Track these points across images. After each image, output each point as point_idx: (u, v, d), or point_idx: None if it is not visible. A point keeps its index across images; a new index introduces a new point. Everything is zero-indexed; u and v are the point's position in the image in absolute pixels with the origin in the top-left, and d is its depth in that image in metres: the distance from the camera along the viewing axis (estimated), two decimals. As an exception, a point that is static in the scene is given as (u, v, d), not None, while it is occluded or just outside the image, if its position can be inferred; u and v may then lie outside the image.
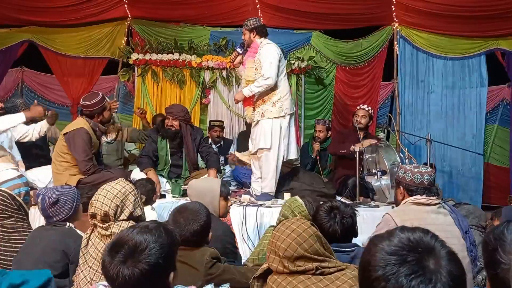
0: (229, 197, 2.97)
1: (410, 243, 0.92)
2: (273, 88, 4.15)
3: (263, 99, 4.21)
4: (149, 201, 3.35)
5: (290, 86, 6.10)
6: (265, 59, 4.11)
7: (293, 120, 4.43)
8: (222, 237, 2.58)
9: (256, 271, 2.13)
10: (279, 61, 4.16)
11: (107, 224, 2.06)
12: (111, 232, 2.03)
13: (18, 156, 4.24)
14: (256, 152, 4.31)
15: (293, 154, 4.38)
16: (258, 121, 4.26)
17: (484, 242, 1.14)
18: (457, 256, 0.93)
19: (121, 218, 2.09)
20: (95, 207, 2.07)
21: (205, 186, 2.92)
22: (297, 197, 2.82)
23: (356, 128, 4.57)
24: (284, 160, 4.33)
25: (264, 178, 4.27)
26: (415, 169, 2.48)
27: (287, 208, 2.66)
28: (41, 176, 4.03)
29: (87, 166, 3.82)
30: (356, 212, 2.39)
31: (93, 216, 2.09)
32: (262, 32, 4.26)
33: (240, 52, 4.34)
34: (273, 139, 4.19)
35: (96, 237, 2.08)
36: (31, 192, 3.34)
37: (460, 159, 6.14)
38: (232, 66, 4.84)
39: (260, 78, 4.10)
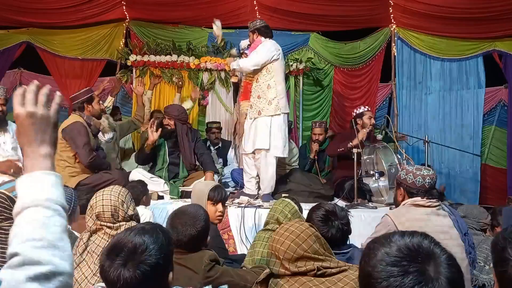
0: (221, 204, 2.80)
1: (410, 252, 0.92)
2: (270, 85, 4.20)
3: (258, 95, 4.25)
4: (138, 202, 3.33)
5: (288, 88, 6.17)
6: (256, 49, 4.28)
7: (286, 121, 4.40)
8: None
9: (254, 273, 2.14)
10: (276, 59, 4.24)
11: (118, 224, 2.08)
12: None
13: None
14: (253, 152, 4.31)
15: (285, 153, 4.37)
16: (254, 119, 4.27)
17: (494, 242, 1.19)
18: (455, 259, 0.95)
19: (129, 213, 2.14)
20: (102, 205, 2.09)
21: (196, 187, 2.95)
22: (283, 199, 2.85)
23: (357, 131, 4.55)
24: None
25: (264, 179, 4.27)
26: (417, 171, 2.42)
27: (277, 210, 2.66)
28: None
29: (89, 156, 3.80)
30: (348, 213, 2.41)
31: (97, 217, 2.09)
32: (264, 32, 4.36)
33: (236, 54, 4.56)
34: (271, 138, 4.20)
35: (102, 238, 2.08)
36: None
37: (458, 160, 6.16)
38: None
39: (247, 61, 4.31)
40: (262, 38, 4.33)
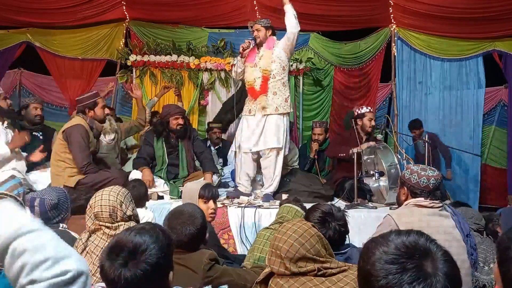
0: (213, 201, 2.85)
1: (407, 249, 0.94)
2: (285, 83, 4.26)
3: (274, 91, 4.22)
4: (140, 202, 3.30)
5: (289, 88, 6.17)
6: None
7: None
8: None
9: (254, 273, 2.13)
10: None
11: (116, 224, 2.09)
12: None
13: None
14: (258, 151, 4.29)
15: (287, 151, 4.40)
16: (266, 116, 4.22)
17: (498, 242, 1.20)
18: (451, 256, 0.96)
19: (127, 213, 2.14)
20: (101, 205, 2.10)
21: (186, 188, 3.03)
22: (289, 205, 2.89)
23: (357, 131, 4.53)
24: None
25: (270, 178, 4.28)
26: (422, 171, 2.38)
27: (285, 217, 2.68)
28: (42, 179, 4.01)
29: (83, 162, 3.80)
30: (345, 213, 2.40)
31: (96, 217, 2.09)
32: (274, 33, 4.40)
33: (253, 44, 4.37)
34: (284, 137, 4.23)
35: (101, 238, 2.09)
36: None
37: (458, 160, 6.16)
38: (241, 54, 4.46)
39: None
40: (274, 38, 4.35)
